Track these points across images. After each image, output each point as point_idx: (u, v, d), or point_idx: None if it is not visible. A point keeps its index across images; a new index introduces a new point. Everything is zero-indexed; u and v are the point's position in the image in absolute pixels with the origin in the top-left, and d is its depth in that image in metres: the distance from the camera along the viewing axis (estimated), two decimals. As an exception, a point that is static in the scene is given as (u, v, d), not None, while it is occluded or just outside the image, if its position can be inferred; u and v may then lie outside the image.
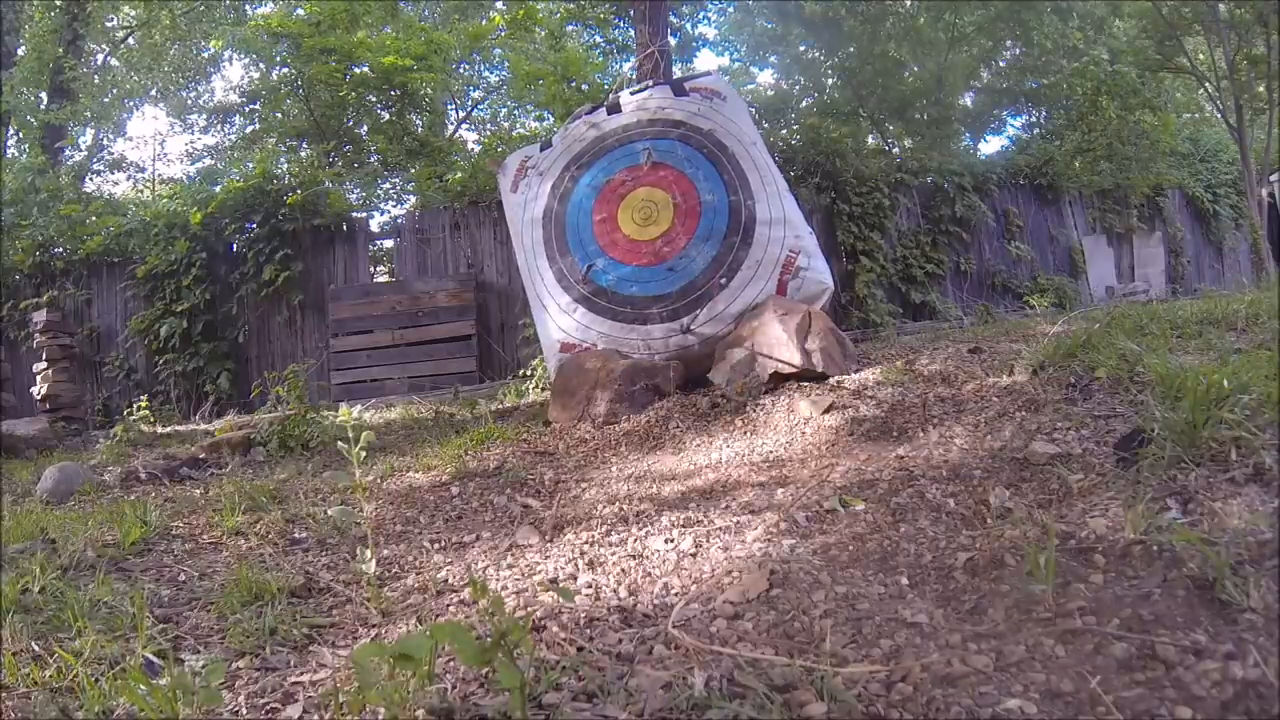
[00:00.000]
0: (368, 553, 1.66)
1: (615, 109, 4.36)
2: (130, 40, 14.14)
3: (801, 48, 13.35)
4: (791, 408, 2.91)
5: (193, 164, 13.20)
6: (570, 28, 11.75)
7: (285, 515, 2.37)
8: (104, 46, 13.92)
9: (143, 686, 1.06)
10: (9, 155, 11.29)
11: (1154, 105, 10.87)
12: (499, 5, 13.40)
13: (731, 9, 14.33)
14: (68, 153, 12.17)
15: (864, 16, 11.93)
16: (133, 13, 13.46)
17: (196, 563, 1.96)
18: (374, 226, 8.53)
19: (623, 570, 1.64)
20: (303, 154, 10.31)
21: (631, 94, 4.48)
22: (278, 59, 10.37)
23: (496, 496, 2.46)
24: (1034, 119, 13.03)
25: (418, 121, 11.15)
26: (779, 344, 3.26)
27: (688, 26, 13.04)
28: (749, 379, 3.27)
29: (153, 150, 16.70)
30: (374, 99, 10.48)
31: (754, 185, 3.86)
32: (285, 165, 9.07)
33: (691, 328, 3.68)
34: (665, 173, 3.96)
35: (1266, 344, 2.21)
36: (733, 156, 3.94)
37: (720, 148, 3.97)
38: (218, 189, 8.26)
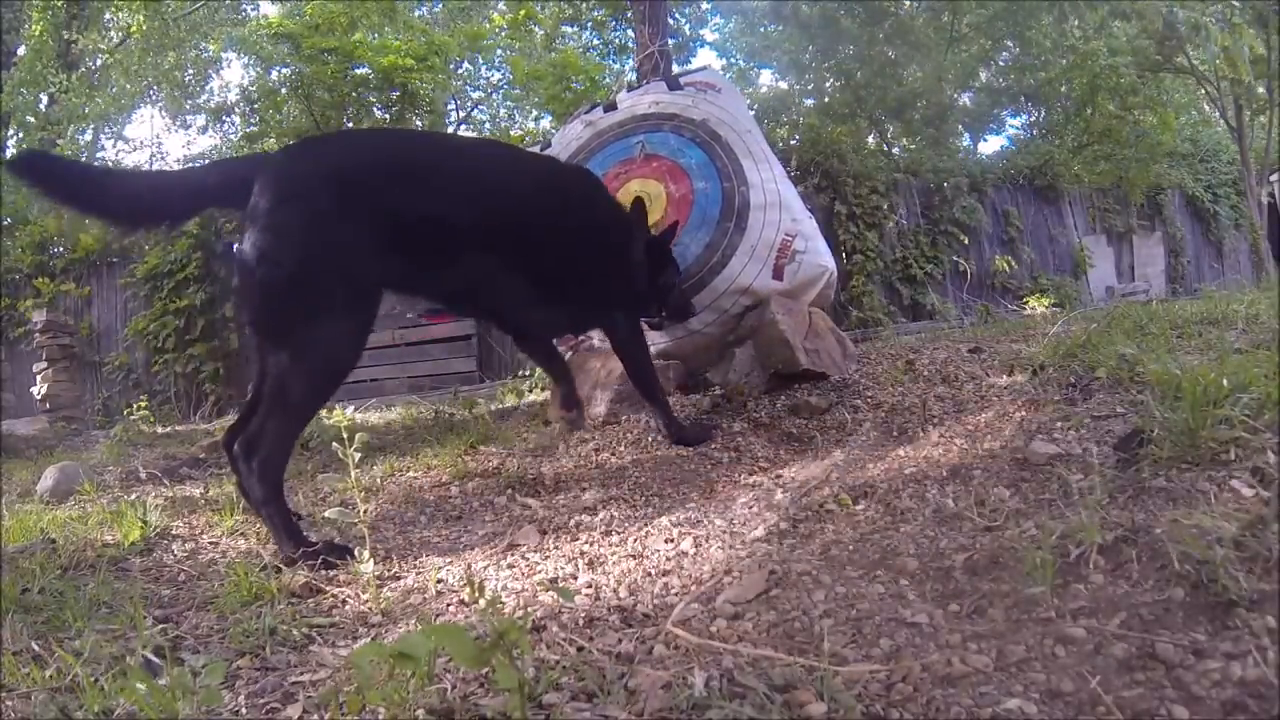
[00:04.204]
0: (367, 553, 1.66)
1: (612, 108, 4.36)
2: (129, 42, 14.12)
3: (802, 50, 13.35)
4: (791, 407, 2.91)
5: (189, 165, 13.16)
6: (567, 28, 11.76)
7: (285, 515, 2.36)
8: (101, 49, 13.89)
9: (143, 686, 1.06)
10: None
11: (1153, 104, 10.87)
12: (500, 6, 13.41)
13: (732, 18, 14.39)
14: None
15: (862, 19, 11.93)
16: (131, 20, 13.44)
17: (196, 563, 1.96)
18: (374, 226, 8.54)
19: (623, 570, 1.64)
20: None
21: (629, 94, 4.48)
22: (277, 59, 10.37)
23: (496, 496, 2.46)
24: (1034, 118, 13.05)
25: (418, 122, 11.15)
26: (779, 344, 3.26)
27: (686, 28, 13.05)
28: (749, 378, 3.27)
29: (150, 153, 16.65)
30: (374, 99, 10.49)
31: (748, 171, 3.83)
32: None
33: None
34: (658, 164, 3.94)
35: (1266, 344, 2.21)
36: (726, 145, 3.90)
37: (714, 136, 3.94)
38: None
